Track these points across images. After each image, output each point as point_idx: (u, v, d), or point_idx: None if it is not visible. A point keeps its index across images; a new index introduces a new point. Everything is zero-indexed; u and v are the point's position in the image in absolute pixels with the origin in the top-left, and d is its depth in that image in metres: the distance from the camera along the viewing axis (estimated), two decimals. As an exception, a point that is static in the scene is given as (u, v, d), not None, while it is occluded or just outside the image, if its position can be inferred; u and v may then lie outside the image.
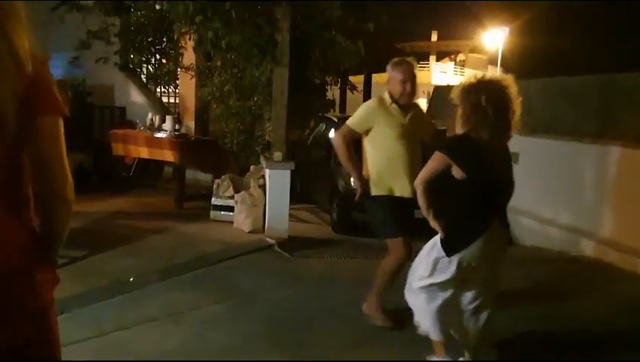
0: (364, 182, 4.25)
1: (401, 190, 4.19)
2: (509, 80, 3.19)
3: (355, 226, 7.56)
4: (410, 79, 4.15)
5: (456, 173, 3.19)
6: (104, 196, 8.18)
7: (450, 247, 3.26)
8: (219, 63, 8.39)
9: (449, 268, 3.29)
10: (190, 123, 9.66)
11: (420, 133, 4.34)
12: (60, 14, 8.20)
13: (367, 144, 4.26)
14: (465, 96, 3.21)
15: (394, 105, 4.16)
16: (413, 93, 4.16)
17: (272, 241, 6.53)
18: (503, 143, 3.30)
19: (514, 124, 3.19)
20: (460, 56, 38.09)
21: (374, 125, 4.17)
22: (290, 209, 7.10)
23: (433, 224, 3.35)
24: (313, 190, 9.21)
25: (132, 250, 5.91)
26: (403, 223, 4.21)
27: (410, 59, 4.29)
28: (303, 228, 7.67)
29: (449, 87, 17.45)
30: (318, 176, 8.89)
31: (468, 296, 3.42)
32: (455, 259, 3.24)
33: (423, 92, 38.78)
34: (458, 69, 39.40)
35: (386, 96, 4.21)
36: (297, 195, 8.80)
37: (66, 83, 9.67)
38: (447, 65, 38.52)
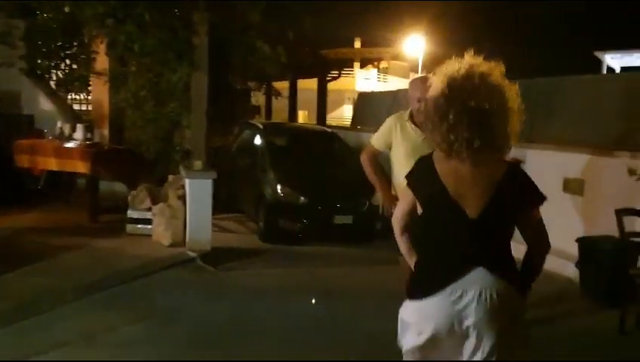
0: (389, 198, 4.05)
1: None
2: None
3: (282, 235, 7.41)
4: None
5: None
6: (10, 211, 7.58)
7: (409, 290, 2.29)
8: (134, 68, 7.97)
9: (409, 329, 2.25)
10: (104, 131, 9.16)
11: None
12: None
13: (392, 160, 4.14)
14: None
15: (409, 123, 4.01)
16: None
17: (193, 254, 6.22)
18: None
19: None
20: (383, 64, 38.71)
21: (393, 142, 4.06)
22: (215, 218, 6.83)
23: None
24: (239, 198, 8.94)
25: (41, 268, 5.47)
26: None
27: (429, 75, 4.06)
28: (228, 239, 7.40)
29: (372, 94, 17.70)
30: (244, 184, 8.64)
31: None
32: (414, 314, 2.22)
33: (348, 98, 39.26)
34: (381, 76, 40.06)
35: (406, 113, 4.07)
36: (223, 204, 8.52)
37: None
38: (371, 72, 39.07)
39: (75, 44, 9.49)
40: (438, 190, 2.18)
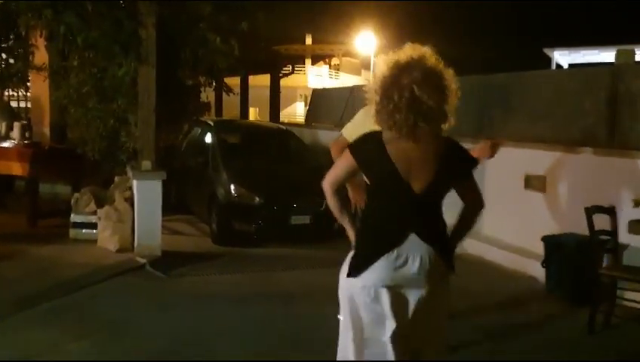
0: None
1: None
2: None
3: (236, 237, 7.09)
4: None
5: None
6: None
7: (355, 265, 2.47)
8: (75, 63, 7.46)
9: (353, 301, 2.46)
10: (45, 130, 8.60)
11: None
12: None
13: None
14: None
15: None
16: None
17: (142, 260, 5.84)
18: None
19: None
20: (335, 60, 38.64)
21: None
22: (165, 220, 6.47)
23: (350, 235, 2.66)
24: (190, 199, 8.55)
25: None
26: None
27: None
28: (179, 242, 7.03)
29: (327, 90, 17.49)
30: (196, 184, 8.26)
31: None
32: (358, 283, 2.43)
33: (300, 95, 39.00)
34: (333, 73, 39.96)
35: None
36: (173, 205, 8.15)
37: None
38: (322, 68, 38.92)
39: (11, 37, 8.91)
40: (389, 170, 2.38)
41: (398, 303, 2.41)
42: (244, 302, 4.96)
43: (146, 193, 5.98)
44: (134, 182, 6.05)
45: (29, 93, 9.80)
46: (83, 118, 7.34)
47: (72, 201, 6.41)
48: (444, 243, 2.49)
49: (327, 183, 2.60)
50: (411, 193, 2.38)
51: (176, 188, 8.48)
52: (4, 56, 9.17)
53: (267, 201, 7.21)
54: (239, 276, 5.85)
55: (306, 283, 5.58)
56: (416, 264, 2.38)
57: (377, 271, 2.39)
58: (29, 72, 8.66)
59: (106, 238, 6.15)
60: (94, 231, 6.32)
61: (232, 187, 7.26)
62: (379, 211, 2.49)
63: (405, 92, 2.32)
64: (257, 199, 7.19)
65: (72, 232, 6.42)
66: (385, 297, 2.40)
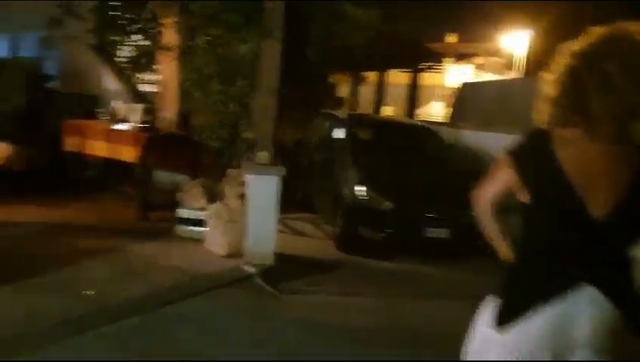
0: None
1: None
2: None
3: (361, 244, 6.18)
4: None
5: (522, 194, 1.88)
6: (51, 201, 6.61)
7: (501, 314, 1.79)
8: (200, 42, 6.83)
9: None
10: (171, 115, 8.06)
11: None
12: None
13: None
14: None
15: None
16: None
17: (251, 270, 4.94)
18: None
19: None
20: (479, 60, 36.53)
21: None
22: (289, 218, 5.72)
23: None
24: (315, 197, 7.70)
25: (54, 281, 4.27)
26: None
27: None
28: (299, 244, 6.18)
29: (480, 83, 15.60)
30: (321, 182, 7.42)
31: None
32: (499, 339, 1.77)
33: (438, 95, 37.20)
34: (477, 73, 37.70)
35: None
36: (299, 202, 7.48)
37: (20, 64, 8.19)
38: (465, 67, 36.87)
39: (142, 16, 8.56)
40: (558, 184, 1.73)
41: None
42: (363, 341, 3.87)
43: (260, 190, 5.08)
44: (247, 177, 5.16)
45: (156, 76, 9.42)
46: (204, 103, 6.67)
47: (180, 195, 5.67)
48: (633, 300, 1.74)
49: (481, 198, 2.00)
50: (589, 219, 1.70)
51: (302, 186, 7.76)
52: (134, 37, 8.84)
53: (399, 208, 6.21)
54: (362, 301, 4.77)
55: (443, 321, 4.31)
56: (588, 326, 1.69)
57: (530, 329, 1.73)
58: (157, 53, 8.18)
59: (214, 240, 5.33)
60: (202, 229, 5.54)
61: (360, 188, 6.30)
62: (539, 243, 1.82)
63: (605, 74, 1.69)
64: (388, 204, 6.20)
65: (179, 229, 5.70)
66: None
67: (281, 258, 5.26)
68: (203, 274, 4.82)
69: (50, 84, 8.70)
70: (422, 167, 7.15)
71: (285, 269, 5.18)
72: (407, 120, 12.78)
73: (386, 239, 6.18)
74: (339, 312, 4.46)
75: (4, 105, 8.07)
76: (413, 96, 18.82)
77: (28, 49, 10.02)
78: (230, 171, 5.71)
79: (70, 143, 6.90)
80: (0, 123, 8.02)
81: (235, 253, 5.26)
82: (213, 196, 5.67)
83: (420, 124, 9.92)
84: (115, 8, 8.32)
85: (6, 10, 9.65)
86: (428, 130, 8.51)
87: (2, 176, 7.09)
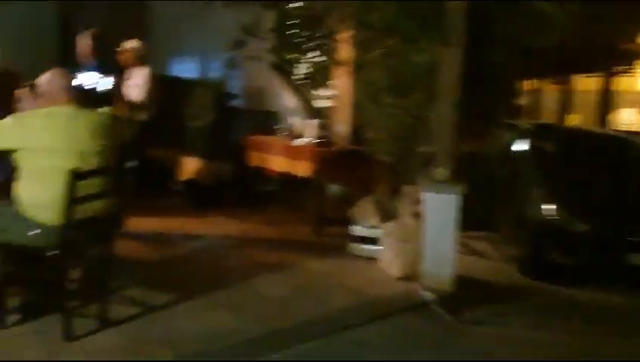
0: None
1: None
2: None
3: (549, 270, 5.55)
4: None
5: None
6: (233, 214, 6.89)
7: None
8: (376, 54, 6.68)
9: None
10: (343, 129, 8.06)
11: None
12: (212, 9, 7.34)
13: None
14: None
15: None
16: None
17: (428, 296, 4.62)
18: None
19: None
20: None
21: None
22: (465, 237, 5.41)
23: None
24: (495, 215, 7.15)
25: (230, 297, 4.31)
26: None
27: None
28: (477, 267, 5.70)
29: None
30: (501, 199, 6.87)
31: None
32: None
33: (628, 101, 33.40)
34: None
35: None
36: (476, 219, 6.91)
37: (208, 84, 8.74)
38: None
39: (319, 33, 8.70)
40: None
41: None
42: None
43: (438, 209, 4.74)
44: (425, 195, 4.85)
45: (331, 91, 9.52)
46: (378, 117, 6.50)
47: (354, 211, 5.53)
48: None
49: None
50: None
51: (479, 201, 7.27)
52: (312, 54, 9.02)
53: (595, 229, 5.50)
54: (552, 336, 4.20)
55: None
56: None
57: None
58: (333, 67, 8.24)
59: (389, 260, 5.10)
60: (376, 247, 5.34)
61: (549, 207, 5.69)
62: None
63: None
64: (581, 225, 5.51)
65: (352, 246, 5.55)
66: None
67: (459, 282, 4.86)
68: (378, 297, 4.59)
69: (234, 102, 9.19)
70: (621, 183, 6.31)
71: (464, 295, 4.77)
72: (600, 129, 11.60)
73: (578, 265, 5.50)
74: (527, 347, 3.96)
75: (194, 122, 8.69)
76: (605, 103, 17.02)
77: (214, 69, 10.72)
78: (405, 188, 5.45)
79: (252, 158, 7.17)
80: (190, 139, 8.64)
81: (410, 275, 4.97)
82: (386, 213, 5.45)
83: (616, 133, 8.87)
84: (292, 27, 8.55)
85: (197, 34, 10.47)
86: (626, 141, 7.53)
87: (192, 189, 7.59)
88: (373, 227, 5.38)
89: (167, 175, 8.04)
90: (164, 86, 7.72)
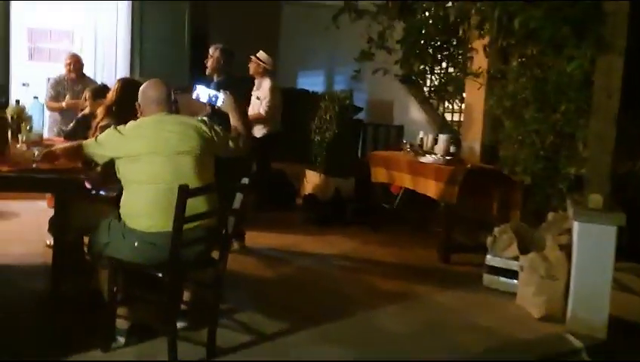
0: None
1: None
2: None
3: None
4: None
5: None
6: (352, 233, 6.53)
7: None
8: (515, 64, 6.04)
9: None
10: (475, 145, 7.42)
11: None
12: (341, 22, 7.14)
13: None
14: None
15: None
16: None
17: (577, 343, 3.92)
18: None
19: None
20: None
21: None
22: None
23: None
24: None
25: (347, 330, 3.91)
26: None
27: None
28: (629, 306, 4.83)
29: None
30: None
31: None
32: None
33: None
34: None
35: None
36: (624, 249, 5.97)
37: (333, 97, 8.50)
38: None
39: (452, 42, 8.13)
40: None
41: None
42: None
43: (591, 242, 4.05)
44: (575, 224, 4.16)
45: (462, 105, 8.89)
46: (516, 132, 5.83)
47: (489, 240, 4.92)
48: None
49: None
50: None
51: (629, 227, 6.31)
52: (443, 64, 8.47)
53: None
54: None
55: None
56: None
57: None
58: (465, 79, 7.64)
59: (527, 297, 4.44)
60: (515, 281, 4.70)
61: None
62: None
63: None
64: None
65: (486, 278, 4.94)
66: None
67: (611, 325, 4.11)
68: (517, 340, 3.97)
69: (359, 116, 8.88)
70: None
71: (619, 343, 4.04)
72: None
73: None
74: None
75: (317, 136, 8.48)
76: None
77: (340, 82, 10.53)
78: (551, 215, 4.76)
79: (376, 174, 6.78)
80: (313, 153, 8.45)
81: (554, 317, 4.29)
82: (525, 243, 4.79)
83: None
84: (422, 37, 8.07)
85: (325, 47, 10.33)
86: None
87: (310, 205, 7.34)
88: (512, 258, 4.74)
89: (290, 189, 7.90)
90: (290, 99, 7.61)
